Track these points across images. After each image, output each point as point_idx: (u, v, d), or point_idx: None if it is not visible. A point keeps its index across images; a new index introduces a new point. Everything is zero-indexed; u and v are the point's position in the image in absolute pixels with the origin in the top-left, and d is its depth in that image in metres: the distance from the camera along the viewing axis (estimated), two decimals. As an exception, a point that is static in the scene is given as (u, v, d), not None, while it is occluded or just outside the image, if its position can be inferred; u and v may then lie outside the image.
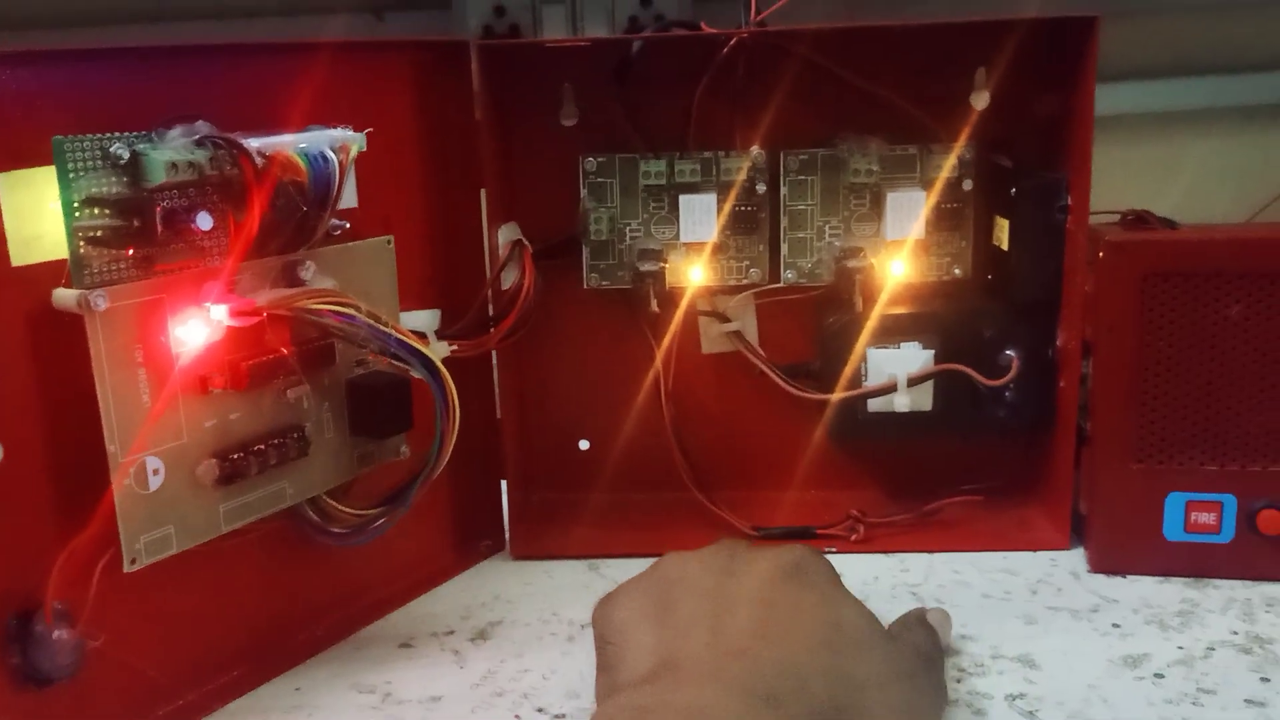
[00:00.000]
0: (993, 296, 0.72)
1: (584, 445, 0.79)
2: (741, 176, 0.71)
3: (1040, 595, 0.65)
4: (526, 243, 0.70)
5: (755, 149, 0.71)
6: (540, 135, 0.74)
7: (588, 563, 0.72)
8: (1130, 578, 0.67)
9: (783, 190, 0.72)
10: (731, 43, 0.69)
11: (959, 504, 0.73)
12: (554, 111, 0.73)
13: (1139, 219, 0.70)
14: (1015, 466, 0.75)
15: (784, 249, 0.73)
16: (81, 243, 0.48)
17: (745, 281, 0.74)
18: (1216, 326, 0.64)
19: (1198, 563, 0.66)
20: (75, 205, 0.47)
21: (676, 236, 0.73)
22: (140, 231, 0.48)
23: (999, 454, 0.75)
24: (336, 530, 0.60)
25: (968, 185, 0.71)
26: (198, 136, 0.50)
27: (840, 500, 0.76)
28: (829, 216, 0.72)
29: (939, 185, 0.71)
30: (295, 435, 0.57)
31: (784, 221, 0.73)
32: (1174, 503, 0.66)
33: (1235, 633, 0.60)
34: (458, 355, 0.66)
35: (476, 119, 0.68)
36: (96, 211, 0.48)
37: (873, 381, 0.71)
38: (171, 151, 0.49)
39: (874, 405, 0.71)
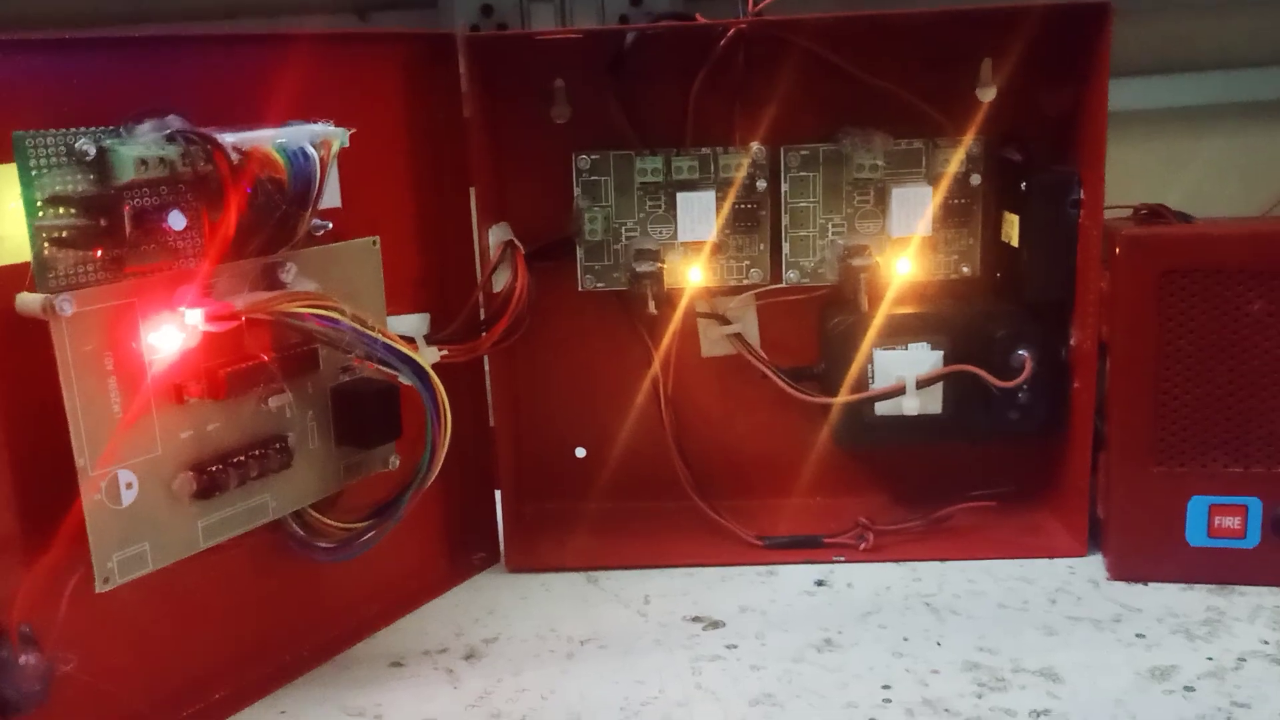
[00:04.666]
0: (1003, 295, 0.70)
1: (580, 453, 0.77)
2: (741, 173, 0.69)
3: (1059, 605, 0.62)
4: (518, 244, 0.67)
5: (755, 145, 0.69)
6: (531, 133, 0.71)
7: (586, 575, 0.69)
8: (1152, 585, 0.64)
9: (784, 187, 0.70)
10: (729, 34, 0.66)
11: (970, 510, 0.70)
12: (545, 108, 0.71)
13: (1153, 213, 0.68)
14: (1028, 471, 0.72)
15: (786, 248, 0.70)
16: (46, 244, 0.45)
17: (746, 282, 0.71)
18: (1238, 323, 0.61)
19: (1222, 569, 0.63)
20: (38, 204, 0.44)
21: (674, 236, 0.70)
22: (108, 231, 0.45)
23: (1011, 458, 0.72)
24: (323, 545, 0.57)
25: (976, 180, 0.68)
26: (169, 131, 0.47)
27: (847, 507, 0.73)
28: (832, 214, 0.70)
29: (946, 181, 0.68)
30: (277, 446, 0.54)
31: (785, 219, 0.70)
32: (1196, 507, 0.63)
33: (1266, 642, 0.58)
34: (448, 360, 0.63)
35: (465, 116, 0.66)
36: (61, 211, 0.45)
37: (880, 384, 0.68)
38: (141, 147, 0.46)
39: (881, 409, 0.69)
